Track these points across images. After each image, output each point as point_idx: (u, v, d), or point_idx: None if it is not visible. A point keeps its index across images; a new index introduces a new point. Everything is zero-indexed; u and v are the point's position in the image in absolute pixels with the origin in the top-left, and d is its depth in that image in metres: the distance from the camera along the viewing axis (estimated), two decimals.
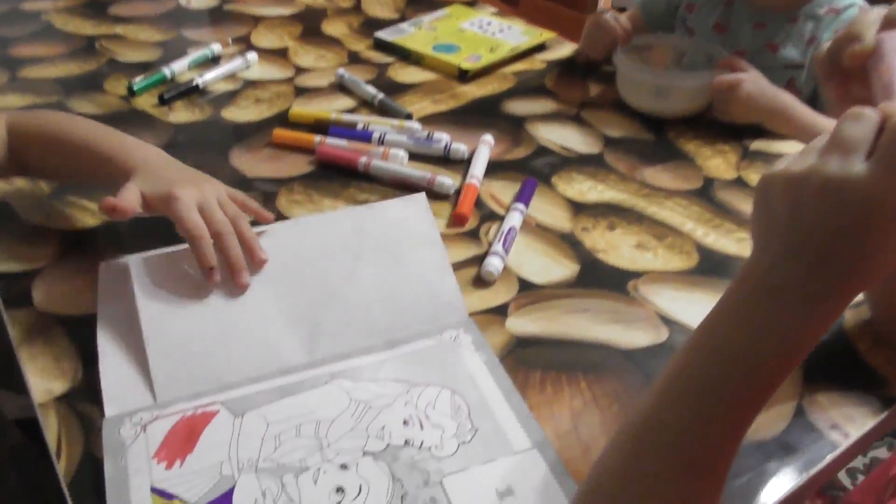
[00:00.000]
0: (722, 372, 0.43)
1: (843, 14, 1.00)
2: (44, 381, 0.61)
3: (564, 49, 1.21)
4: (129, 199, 0.62)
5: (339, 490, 0.52)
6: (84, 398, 0.60)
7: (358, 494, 0.52)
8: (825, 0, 1.02)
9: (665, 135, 0.98)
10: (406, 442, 0.56)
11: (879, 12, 0.53)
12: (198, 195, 0.64)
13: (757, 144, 0.95)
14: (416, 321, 0.66)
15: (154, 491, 0.52)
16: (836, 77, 0.54)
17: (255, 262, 0.65)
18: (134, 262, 0.65)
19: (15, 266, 0.73)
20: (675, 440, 0.44)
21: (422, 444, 0.56)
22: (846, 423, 0.59)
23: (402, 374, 0.61)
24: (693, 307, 0.71)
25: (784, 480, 0.55)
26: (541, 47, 1.19)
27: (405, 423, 0.57)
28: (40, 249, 0.75)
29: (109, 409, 0.58)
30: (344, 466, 0.54)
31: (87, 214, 0.80)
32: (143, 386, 0.60)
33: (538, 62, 1.17)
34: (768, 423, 0.59)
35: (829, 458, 0.57)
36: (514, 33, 1.20)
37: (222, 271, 0.64)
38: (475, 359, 0.63)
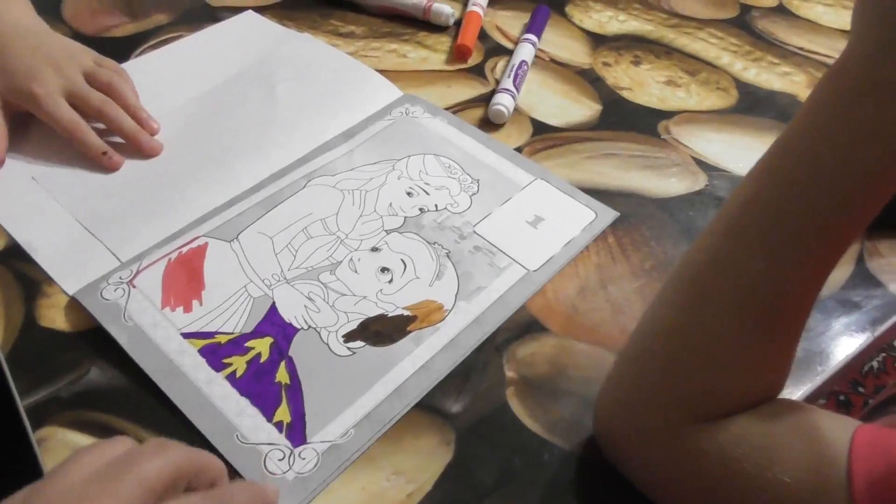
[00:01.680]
0: (806, 193, 0.33)
1: None
2: None
3: None
4: None
5: (385, 270, 0.50)
6: (23, 256, 0.51)
7: (405, 268, 0.51)
8: None
9: None
10: (421, 210, 0.55)
11: None
12: (61, 82, 0.56)
13: None
14: (356, 111, 0.62)
15: (189, 336, 0.46)
16: None
17: (148, 131, 0.59)
18: None
19: None
20: (745, 286, 0.35)
21: (436, 206, 0.55)
22: None
23: (376, 155, 0.59)
24: (734, 150, 0.61)
25: (846, 343, 0.48)
26: None
27: (409, 194, 0.56)
28: None
29: (70, 286, 0.49)
30: (375, 249, 0.52)
31: None
32: (96, 253, 0.51)
33: None
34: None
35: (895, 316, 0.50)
36: None
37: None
38: (437, 123, 0.61)
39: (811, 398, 0.46)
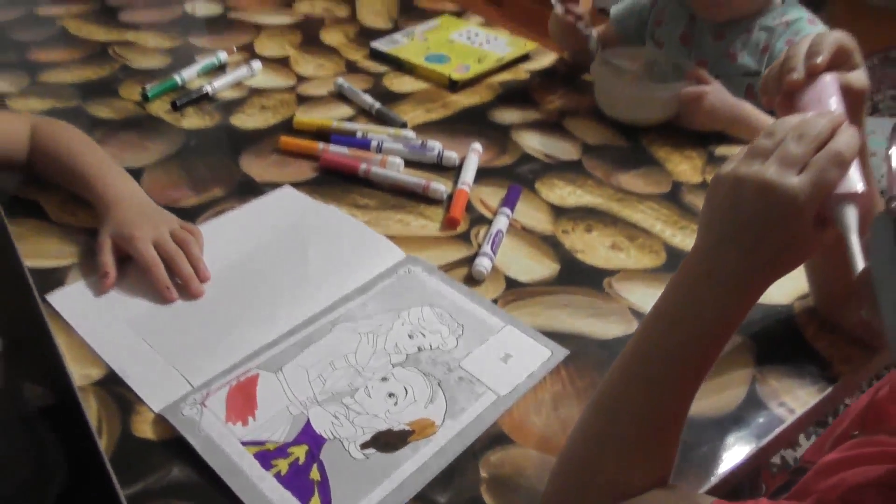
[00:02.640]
0: (673, 342, 0.51)
1: (793, 26, 1.08)
2: (81, 367, 0.69)
3: (546, 58, 1.29)
4: (109, 266, 0.77)
5: (391, 395, 0.67)
6: (120, 382, 0.68)
7: (406, 394, 0.67)
8: (777, 13, 1.10)
9: (639, 142, 1.06)
10: (419, 349, 0.71)
11: (817, 40, 0.58)
12: (153, 233, 0.78)
13: (721, 150, 1.04)
14: (369, 269, 0.81)
15: (246, 444, 0.62)
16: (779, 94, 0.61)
17: (200, 278, 0.78)
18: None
19: (48, 262, 0.81)
20: (635, 409, 0.52)
21: (430, 346, 0.72)
22: (792, 401, 0.68)
23: (385, 306, 0.76)
24: None
25: (737, 451, 0.64)
26: (524, 57, 1.27)
27: (410, 336, 0.73)
28: (70, 246, 0.83)
29: (156, 405, 0.66)
30: (384, 379, 0.68)
31: None
32: (174, 379, 0.68)
33: (522, 72, 1.25)
34: (724, 400, 0.68)
35: (776, 431, 0.66)
36: (500, 44, 1.28)
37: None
38: (432, 280, 0.80)
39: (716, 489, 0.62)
